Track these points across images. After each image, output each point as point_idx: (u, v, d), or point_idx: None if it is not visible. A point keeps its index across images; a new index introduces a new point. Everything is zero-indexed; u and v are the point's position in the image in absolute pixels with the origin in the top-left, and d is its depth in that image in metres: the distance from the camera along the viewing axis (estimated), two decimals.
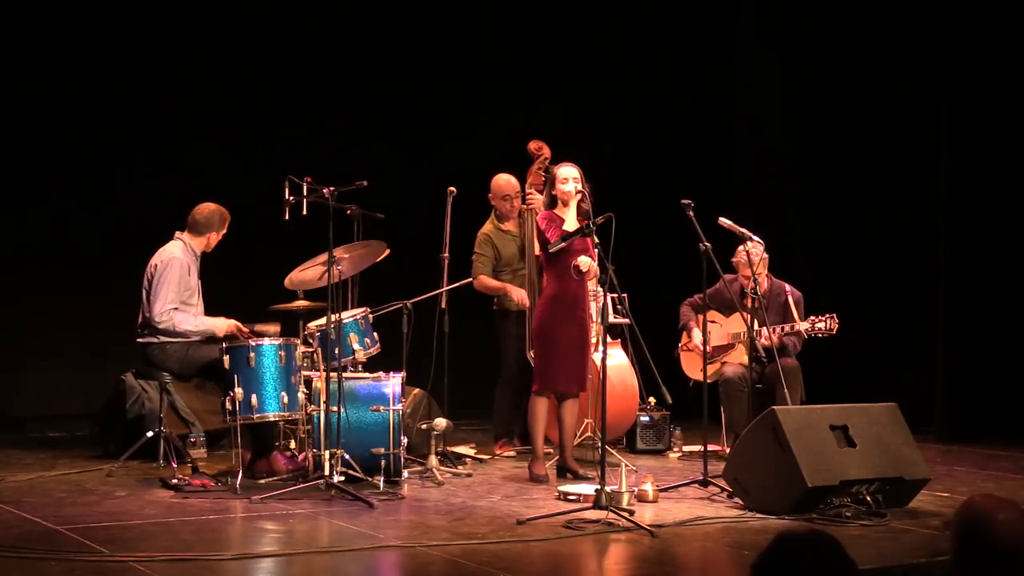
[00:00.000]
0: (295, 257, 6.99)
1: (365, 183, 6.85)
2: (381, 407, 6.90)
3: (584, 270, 6.94)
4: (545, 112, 10.12)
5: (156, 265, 7.08)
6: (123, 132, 9.21)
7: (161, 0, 9.40)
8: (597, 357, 7.13)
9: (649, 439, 8.44)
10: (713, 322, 8.03)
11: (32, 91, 9.02)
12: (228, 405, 6.69)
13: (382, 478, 6.67)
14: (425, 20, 10.14)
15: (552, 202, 7.13)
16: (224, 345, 6.81)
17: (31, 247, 9.03)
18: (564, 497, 6.40)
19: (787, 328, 7.83)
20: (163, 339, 7.05)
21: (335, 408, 6.63)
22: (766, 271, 7.94)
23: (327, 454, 6.49)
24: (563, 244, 6.86)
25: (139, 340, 7.12)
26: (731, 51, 10.82)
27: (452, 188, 7.79)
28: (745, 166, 10.70)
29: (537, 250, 7.43)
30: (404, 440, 6.97)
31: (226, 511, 6.07)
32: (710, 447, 7.15)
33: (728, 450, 7.63)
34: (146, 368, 7.21)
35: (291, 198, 6.73)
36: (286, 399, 6.76)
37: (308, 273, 6.97)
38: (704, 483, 6.71)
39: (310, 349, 7.10)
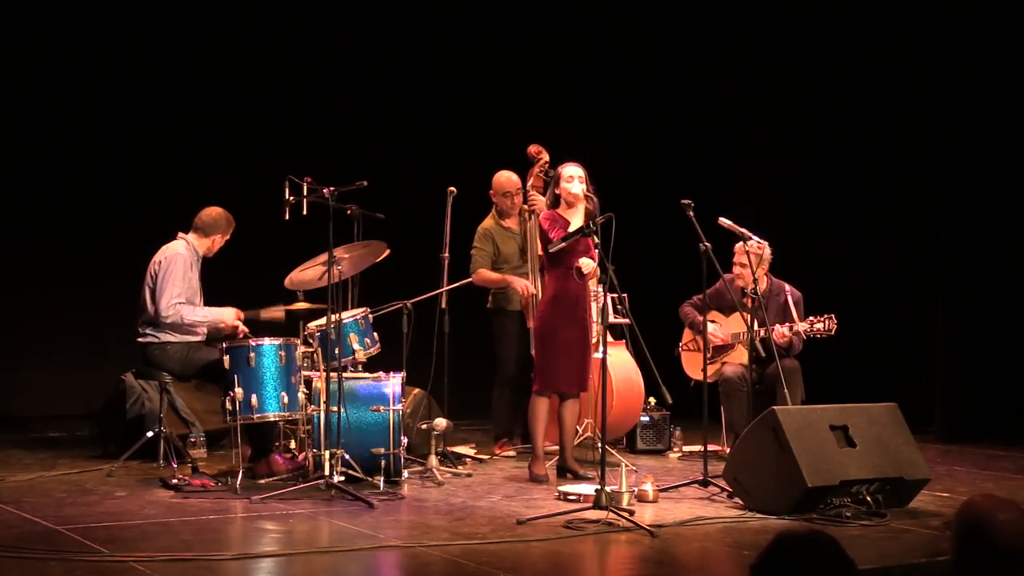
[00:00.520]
0: (295, 257, 6.99)
1: (365, 183, 6.85)
2: (381, 407, 6.90)
3: (586, 272, 6.94)
4: (545, 112, 10.13)
5: (160, 261, 7.09)
6: (123, 132, 9.22)
7: (162, 1, 9.40)
8: (597, 356, 7.13)
9: (649, 439, 8.44)
10: (713, 322, 8.03)
11: (32, 92, 9.03)
12: (228, 405, 6.68)
13: (382, 478, 6.67)
14: (425, 20, 10.14)
15: (555, 202, 7.12)
16: (224, 345, 6.81)
17: (31, 247, 9.03)
18: (564, 497, 6.40)
19: (792, 327, 7.83)
20: (164, 338, 7.04)
21: (335, 408, 6.63)
22: (766, 271, 7.94)
23: (327, 454, 6.49)
24: (563, 244, 6.86)
25: (139, 340, 7.12)
26: (731, 51, 10.82)
27: (452, 188, 7.79)
28: (745, 166, 10.70)
29: (540, 250, 7.42)
30: (404, 440, 6.98)
31: (226, 511, 6.07)
32: (710, 447, 7.15)
33: (728, 450, 7.63)
34: (146, 368, 7.21)
35: (291, 198, 6.73)
36: (286, 399, 6.76)
37: (308, 273, 6.97)
38: (704, 483, 6.71)
39: (310, 349, 7.10)
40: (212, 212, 7.26)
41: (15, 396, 9.05)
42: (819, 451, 6.10)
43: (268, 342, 6.80)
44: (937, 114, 9.36)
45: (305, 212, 6.77)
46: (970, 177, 9.25)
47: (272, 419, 6.82)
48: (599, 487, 5.89)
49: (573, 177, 7.03)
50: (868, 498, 6.06)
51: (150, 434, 7.13)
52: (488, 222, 8.13)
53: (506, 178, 8.10)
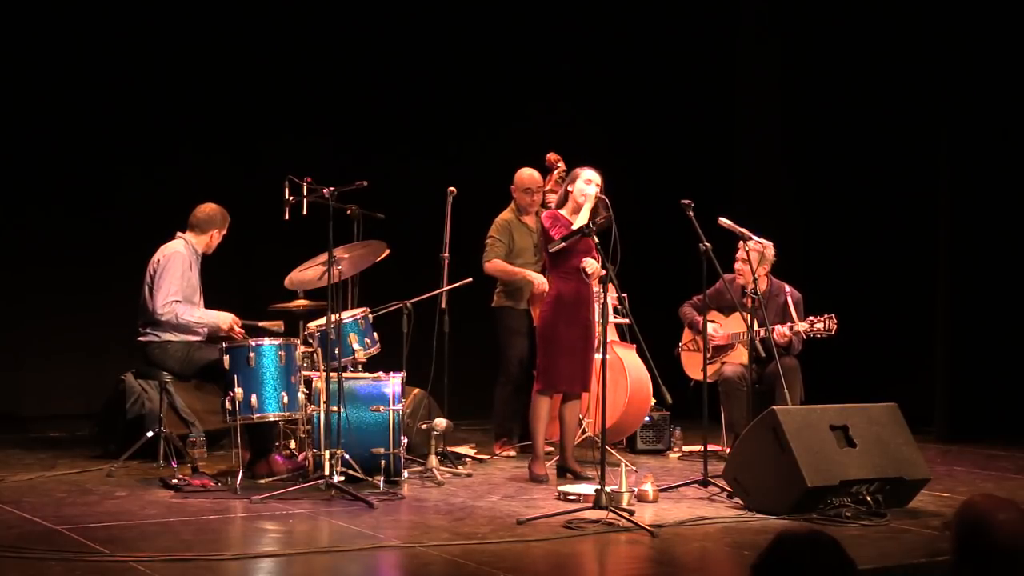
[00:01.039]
0: (295, 257, 6.99)
1: (365, 183, 6.85)
2: (381, 407, 6.90)
3: (590, 272, 6.95)
4: (545, 112, 10.13)
5: (159, 260, 7.09)
6: (123, 132, 9.21)
7: (162, 1, 9.40)
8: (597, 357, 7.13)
9: (649, 439, 8.44)
10: (713, 322, 8.03)
11: (32, 92, 9.02)
12: (228, 405, 6.68)
13: (382, 478, 6.68)
14: (425, 20, 10.13)
15: (563, 200, 7.13)
16: (224, 345, 6.81)
17: (31, 247, 9.02)
18: (564, 497, 6.40)
19: (792, 327, 7.83)
20: (164, 337, 7.03)
21: (335, 408, 6.63)
22: (767, 271, 7.94)
23: (327, 454, 6.49)
24: (563, 244, 6.86)
25: (140, 339, 7.12)
26: (731, 51, 10.82)
27: (452, 188, 7.79)
28: (745, 166, 10.70)
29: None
30: (404, 440, 6.98)
31: (226, 511, 6.07)
32: (710, 447, 7.15)
33: (728, 450, 7.63)
34: (146, 368, 7.20)
35: (291, 198, 6.73)
36: (286, 399, 6.76)
37: (308, 273, 6.97)
38: (704, 483, 6.71)
39: (310, 349, 7.10)
40: (206, 208, 7.26)
41: (15, 396, 9.05)
42: (819, 451, 6.10)
43: (268, 342, 6.80)
44: (937, 114, 9.37)
45: (305, 212, 6.76)
46: (970, 177, 9.26)
47: (272, 419, 6.82)
48: (599, 487, 5.89)
49: (591, 180, 7.02)
50: (868, 498, 6.06)
51: (150, 434, 7.13)
52: (507, 214, 8.11)
53: (528, 175, 8.08)
